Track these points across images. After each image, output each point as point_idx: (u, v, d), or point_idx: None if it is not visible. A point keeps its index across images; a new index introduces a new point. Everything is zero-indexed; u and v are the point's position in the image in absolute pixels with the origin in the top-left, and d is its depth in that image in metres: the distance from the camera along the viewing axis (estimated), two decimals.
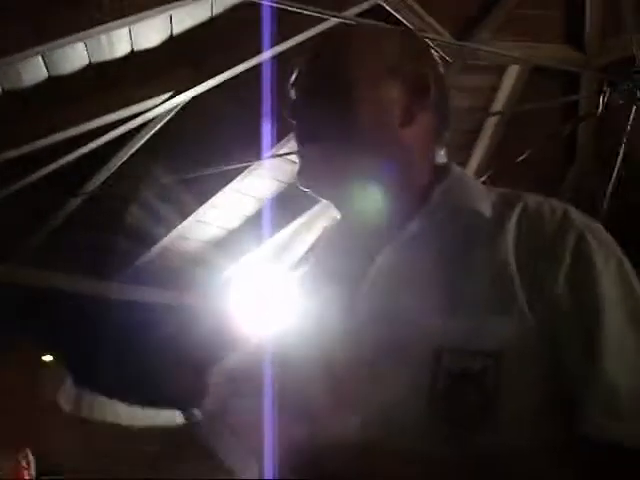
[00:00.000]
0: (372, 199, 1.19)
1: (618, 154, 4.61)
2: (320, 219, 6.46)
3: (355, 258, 1.19)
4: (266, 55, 4.26)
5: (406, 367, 1.05)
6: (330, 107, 1.18)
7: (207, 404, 1.38)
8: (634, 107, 4.17)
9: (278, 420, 1.19)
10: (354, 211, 1.23)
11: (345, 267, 1.20)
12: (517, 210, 1.12)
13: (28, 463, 3.57)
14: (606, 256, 1.07)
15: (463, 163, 5.97)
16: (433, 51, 1.30)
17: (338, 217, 1.29)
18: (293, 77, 1.26)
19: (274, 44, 4.20)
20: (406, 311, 1.09)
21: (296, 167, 1.22)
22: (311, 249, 1.50)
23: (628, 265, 1.09)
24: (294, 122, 1.23)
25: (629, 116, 4.27)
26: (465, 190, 1.18)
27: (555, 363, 1.03)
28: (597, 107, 4.19)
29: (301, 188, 1.22)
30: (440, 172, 1.20)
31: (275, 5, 3.63)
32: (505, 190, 1.20)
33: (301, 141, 1.22)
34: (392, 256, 1.14)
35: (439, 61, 1.27)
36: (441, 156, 1.25)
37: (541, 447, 1.02)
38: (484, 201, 1.15)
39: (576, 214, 1.12)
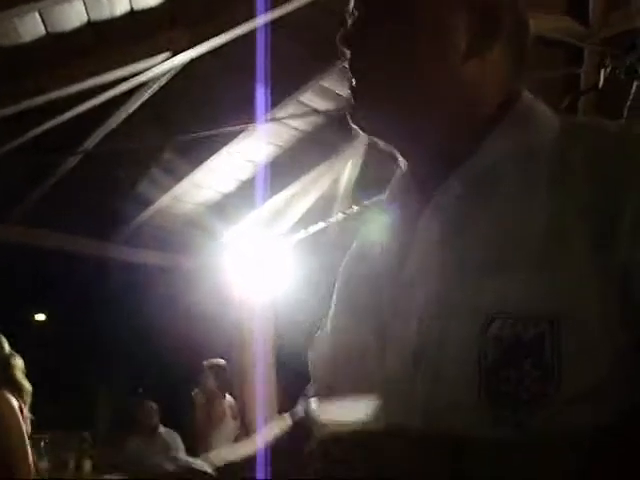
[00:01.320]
0: (430, 139, 1.05)
1: None
2: (317, 184, 6.46)
3: (409, 208, 1.07)
4: (260, 19, 4.22)
5: (453, 336, 0.91)
6: (385, 35, 1.03)
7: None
8: (635, 82, 4.14)
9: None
10: (412, 154, 1.08)
11: (401, 220, 1.08)
12: (587, 142, 0.94)
13: None
14: None
15: None
16: None
17: (402, 161, 1.12)
18: (351, 2, 1.09)
19: (271, 7, 4.16)
20: (454, 269, 0.95)
21: (347, 102, 1.08)
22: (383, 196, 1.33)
23: None
24: (346, 50, 1.07)
25: (630, 91, 4.25)
26: (531, 122, 1.01)
27: (626, 331, 0.86)
28: (598, 81, 4.16)
29: (353, 127, 1.08)
30: (508, 105, 1.04)
31: None
32: (583, 118, 1.05)
33: (353, 73, 1.07)
34: (441, 204, 1.00)
35: None
36: (522, 87, 1.08)
37: (607, 428, 0.86)
38: (552, 133, 0.98)
39: None
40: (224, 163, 5.86)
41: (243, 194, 6.29)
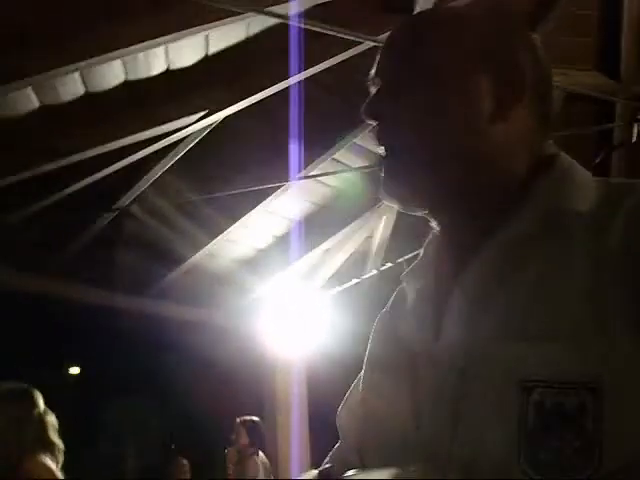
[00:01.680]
0: (462, 206, 1.03)
1: None
2: (351, 240, 6.47)
3: (446, 273, 1.05)
4: (295, 78, 4.28)
5: (491, 405, 0.90)
6: (415, 102, 1.01)
7: (342, 454, 1.22)
8: None
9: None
10: (447, 221, 1.07)
11: (435, 283, 1.07)
12: (628, 204, 0.92)
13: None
14: None
15: None
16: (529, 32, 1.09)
17: (436, 228, 1.11)
18: (373, 70, 1.09)
19: (305, 67, 4.22)
20: (490, 336, 0.93)
21: (380, 181, 1.06)
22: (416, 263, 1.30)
23: None
24: (373, 122, 1.06)
25: None
26: (568, 187, 0.99)
27: None
28: (631, 136, 4.16)
29: (385, 200, 1.07)
30: (543, 166, 1.02)
31: (308, 27, 3.66)
32: (619, 180, 1.02)
33: (382, 145, 1.06)
34: (475, 272, 0.98)
35: (537, 42, 1.08)
36: (549, 147, 1.06)
37: None
38: (588, 199, 0.96)
39: None
40: (259, 219, 5.90)
41: (277, 250, 6.32)
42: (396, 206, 1.07)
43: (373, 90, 1.08)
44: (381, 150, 1.06)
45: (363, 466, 1.13)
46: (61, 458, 3.67)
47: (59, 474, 3.59)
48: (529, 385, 0.87)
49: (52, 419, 3.66)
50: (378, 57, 1.10)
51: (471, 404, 0.92)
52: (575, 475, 0.84)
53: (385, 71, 1.07)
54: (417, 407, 0.98)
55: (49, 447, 3.55)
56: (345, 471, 1.18)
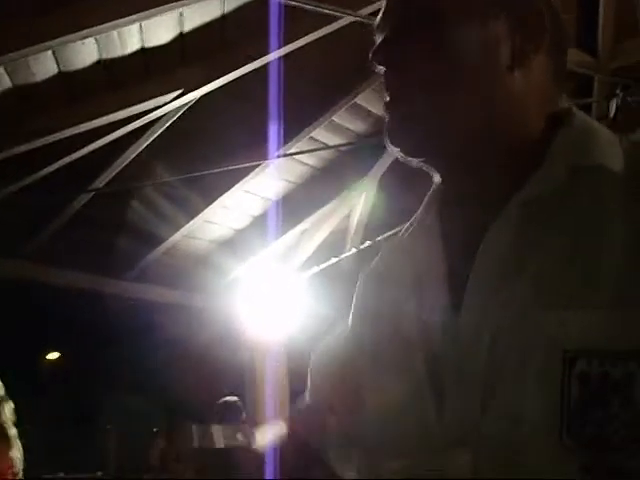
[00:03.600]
0: (476, 159, 0.98)
1: None
2: (330, 219, 6.46)
3: (456, 239, 0.98)
4: (274, 55, 4.24)
5: (530, 376, 0.84)
6: (424, 48, 0.96)
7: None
8: None
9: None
10: (455, 177, 1.01)
11: (444, 251, 0.99)
12: None
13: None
14: None
15: None
16: None
17: (438, 183, 1.05)
18: (379, 17, 1.04)
19: (283, 44, 4.18)
20: (524, 304, 0.87)
21: (385, 126, 1.00)
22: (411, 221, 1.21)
23: None
24: (382, 69, 1.00)
25: None
26: (589, 141, 0.94)
27: None
28: (608, 111, 4.17)
29: (392, 150, 1.00)
30: (559, 121, 0.97)
31: (286, 2, 3.62)
32: None
33: (390, 91, 1.00)
34: (500, 237, 0.92)
35: None
36: (563, 101, 1.01)
37: None
38: (614, 154, 0.92)
39: None
40: (237, 199, 5.87)
41: (256, 230, 6.29)
42: (400, 155, 1.00)
43: (379, 37, 1.02)
44: (387, 97, 1.00)
45: (341, 431, 1.10)
46: (15, 443, 3.73)
47: (13, 454, 3.65)
48: (572, 355, 0.82)
49: (8, 406, 3.70)
50: (385, 3, 1.03)
51: (506, 376, 0.86)
52: (623, 449, 0.80)
53: (393, 16, 1.02)
54: (434, 375, 0.92)
55: (2, 433, 3.63)
56: (311, 432, 1.15)
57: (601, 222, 0.87)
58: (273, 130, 4.69)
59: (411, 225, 1.09)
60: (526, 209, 0.91)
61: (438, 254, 0.99)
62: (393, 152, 1.00)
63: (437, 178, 1.04)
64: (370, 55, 0.99)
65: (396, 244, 1.11)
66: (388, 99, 1.00)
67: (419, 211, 1.09)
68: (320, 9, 3.66)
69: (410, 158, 1.00)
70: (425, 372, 0.93)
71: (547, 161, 0.92)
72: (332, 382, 1.14)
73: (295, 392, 6.82)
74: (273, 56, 4.25)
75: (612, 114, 4.08)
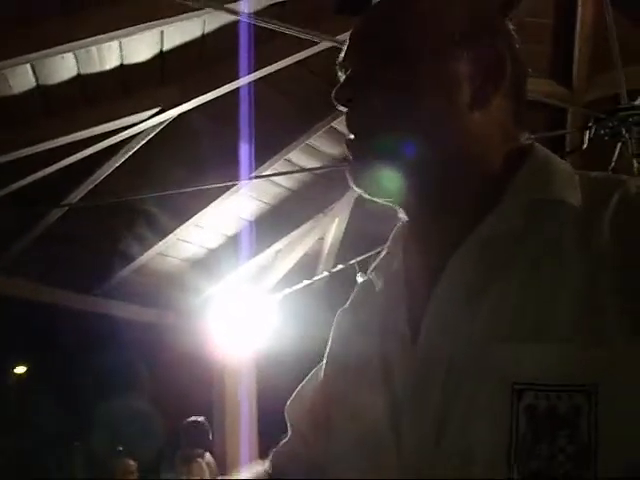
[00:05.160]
0: (438, 198, 0.99)
1: None
2: (303, 241, 6.47)
3: (418, 270, 1.00)
4: (245, 78, 4.27)
5: (479, 409, 0.86)
6: (386, 86, 0.97)
7: (291, 446, 1.22)
8: (619, 144, 4.19)
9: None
10: (419, 215, 1.02)
11: (408, 281, 1.02)
12: (614, 201, 0.89)
13: None
14: None
15: None
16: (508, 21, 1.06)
17: (404, 219, 1.06)
18: (341, 54, 1.05)
19: (260, 66, 4.21)
20: (478, 338, 0.89)
21: (346, 170, 1.02)
22: (381, 256, 1.23)
23: None
24: (343, 108, 1.01)
25: (614, 152, 4.30)
26: (549, 177, 0.95)
27: None
28: (582, 143, 4.21)
29: (354, 187, 1.01)
30: (520, 157, 0.98)
31: (263, 25, 3.65)
32: (601, 174, 0.98)
33: (352, 131, 1.00)
34: (456, 271, 0.94)
35: (515, 34, 1.04)
36: (524, 139, 1.03)
37: None
38: (572, 189, 0.93)
39: None
40: (210, 219, 5.86)
41: (228, 250, 6.28)
42: (364, 194, 1.01)
43: (342, 76, 1.04)
44: (350, 135, 1.01)
45: (311, 460, 1.13)
46: None
47: None
48: (520, 388, 0.83)
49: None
50: (348, 41, 1.04)
51: (458, 408, 0.88)
52: None
53: (355, 55, 1.03)
54: (394, 411, 0.94)
55: None
56: (293, 464, 1.17)
57: (558, 259, 0.88)
58: (248, 151, 4.71)
59: (382, 260, 1.10)
60: (485, 245, 0.92)
61: (402, 300, 1.01)
62: (357, 192, 1.02)
63: (402, 215, 1.05)
64: (333, 94, 1.01)
65: (366, 284, 1.13)
66: (350, 138, 1.01)
67: (387, 245, 1.11)
68: (297, 33, 3.68)
69: (374, 198, 1.02)
70: (386, 412, 0.94)
71: (507, 197, 0.93)
72: (305, 419, 1.17)
73: (264, 412, 6.81)
74: (249, 78, 4.27)
75: (585, 146, 4.13)
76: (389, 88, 0.97)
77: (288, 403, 1.23)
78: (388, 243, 1.10)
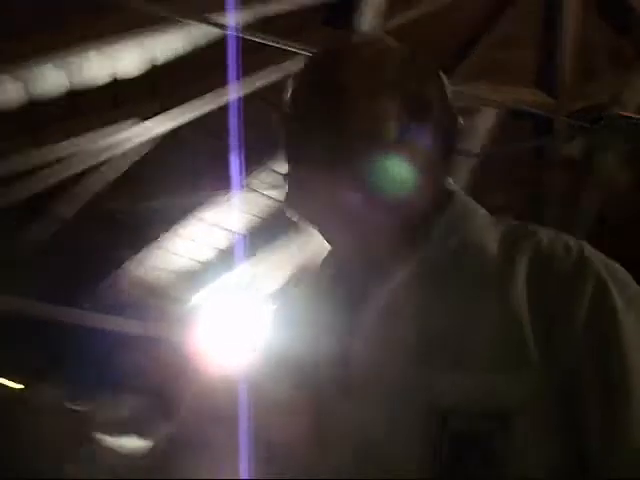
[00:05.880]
0: (364, 229, 1.07)
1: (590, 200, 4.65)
2: (295, 255, 6.45)
3: (344, 302, 1.08)
4: (234, 89, 4.27)
5: (405, 432, 0.94)
6: (322, 123, 1.07)
7: (176, 431, 1.30)
8: (604, 153, 4.22)
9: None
10: (345, 243, 1.12)
11: (333, 313, 1.09)
12: (528, 248, 1.00)
13: None
14: (628, 302, 0.96)
15: None
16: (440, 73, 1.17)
17: (328, 251, 1.17)
18: (287, 92, 1.15)
19: (245, 79, 4.21)
20: (402, 365, 0.97)
21: (282, 191, 1.12)
22: (296, 283, 1.35)
23: None
24: (283, 139, 1.12)
25: (599, 162, 4.34)
26: (470, 222, 1.06)
27: (571, 424, 0.92)
28: (569, 152, 4.24)
29: (287, 214, 1.12)
30: (443, 200, 1.09)
31: (247, 38, 3.65)
32: (515, 223, 1.09)
33: (290, 160, 1.11)
34: (386, 301, 1.02)
35: (445, 82, 1.14)
36: (447, 182, 1.13)
37: None
38: (492, 236, 1.04)
39: (594, 254, 1.01)
40: (197, 230, 5.85)
41: (215, 262, 6.26)
42: (297, 219, 1.11)
43: (288, 110, 1.13)
44: (285, 167, 1.11)
45: None
46: None
47: None
48: (444, 413, 0.91)
49: None
50: (294, 80, 1.15)
51: (385, 432, 0.95)
52: None
53: (296, 96, 1.13)
54: (321, 435, 1.01)
55: None
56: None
57: (475, 300, 0.98)
58: (234, 163, 4.71)
59: (307, 286, 1.22)
60: (412, 280, 1.01)
61: (329, 308, 1.09)
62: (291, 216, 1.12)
63: (327, 245, 1.15)
64: (275, 126, 1.13)
65: (293, 302, 1.26)
66: (288, 170, 1.11)
67: (317, 270, 1.20)
68: (280, 46, 3.70)
69: (306, 224, 1.12)
70: (312, 421, 1.03)
71: (430, 240, 1.03)
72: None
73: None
74: (232, 90, 4.27)
75: (571, 155, 4.16)
76: (323, 121, 1.07)
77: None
78: (319, 266, 1.20)
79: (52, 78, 3.92)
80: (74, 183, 4.87)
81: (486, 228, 1.06)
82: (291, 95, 1.14)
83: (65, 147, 4.36)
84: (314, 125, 1.07)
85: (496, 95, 4.98)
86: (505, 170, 5.43)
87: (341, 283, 1.11)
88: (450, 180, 1.12)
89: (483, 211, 1.10)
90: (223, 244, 6.15)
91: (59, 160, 4.42)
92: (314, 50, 3.45)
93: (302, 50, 3.85)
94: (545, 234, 1.03)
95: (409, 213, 1.06)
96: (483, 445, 0.90)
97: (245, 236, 6.03)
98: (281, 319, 1.26)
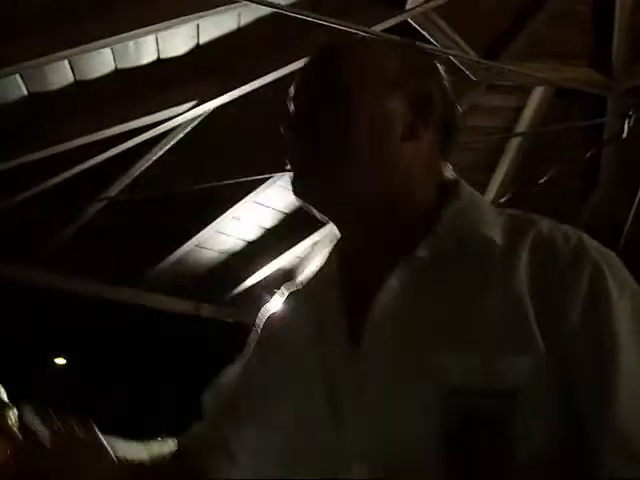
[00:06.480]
0: (370, 221, 1.14)
1: None
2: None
3: (356, 288, 1.13)
4: (281, 70, 4.28)
5: (415, 408, 1.00)
6: (328, 121, 1.13)
7: (202, 429, 1.33)
8: None
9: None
10: (354, 233, 1.18)
11: (345, 298, 1.15)
12: (530, 237, 1.06)
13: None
14: (621, 287, 1.02)
15: (485, 183, 5.97)
16: (440, 66, 1.22)
17: (338, 238, 1.22)
18: (292, 90, 1.20)
19: (293, 60, 4.21)
20: (413, 348, 1.04)
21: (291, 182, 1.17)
22: (308, 275, 1.38)
23: None
24: (290, 137, 1.17)
25: None
26: (476, 213, 1.12)
27: (569, 404, 0.98)
28: (622, 131, 4.17)
29: (297, 196, 1.16)
30: (449, 191, 1.14)
31: (302, 17, 3.64)
32: (517, 213, 1.15)
33: (296, 157, 1.16)
34: (396, 287, 1.07)
35: (445, 76, 1.21)
36: (450, 173, 1.19)
37: None
38: (496, 226, 1.09)
39: (590, 242, 1.07)
40: (248, 211, 5.87)
41: (266, 242, 6.29)
42: (303, 204, 1.17)
43: (293, 108, 1.19)
44: (291, 159, 1.16)
45: (215, 442, 1.26)
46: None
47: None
48: (451, 392, 0.97)
49: (13, 412, 3.73)
50: (298, 78, 1.21)
51: (396, 407, 1.01)
52: (492, 472, 0.96)
53: (302, 94, 1.18)
54: (336, 413, 1.06)
55: (7, 436, 3.63)
56: (197, 443, 1.30)
57: (481, 285, 1.04)
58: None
59: (314, 274, 1.27)
60: (420, 267, 1.07)
61: (336, 296, 1.15)
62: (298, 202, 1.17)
63: (337, 232, 1.21)
64: (285, 127, 1.16)
65: (298, 294, 1.29)
66: (293, 162, 1.16)
67: (321, 261, 1.25)
68: (331, 24, 3.68)
69: (313, 210, 1.17)
70: (325, 400, 1.08)
71: (437, 229, 1.09)
72: (217, 406, 1.32)
73: None
74: (284, 70, 4.28)
75: (624, 135, 4.08)
76: (329, 122, 1.13)
77: (206, 392, 1.36)
78: (324, 257, 1.26)
79: (100, 61, 3.96)
80: (123, 164, 4.92)
81: (490, 218, 1.11)
82: (293, 95, 1.19)
83: (117, 129, 4.40)
84: (319, 125, 1.13)
85: (548, 73, 4.91)
86: (556, 150, 5.37)
87: (352, 270, 1.17)
88: (452, 173, 1.18)
89: (486, 202, 1.18)
90: (271, 223, 6.16)
91: (108, 141, 4.47)
92: (361, 27, 3.44)
93: (350, 28, 3.84)
94: (546, 224, 1.09)
95: (415, 203, 1.13)
96: (489, 423, 0.96)
97: (293, 215, 6.03)
98: (287, 303, 1.32)
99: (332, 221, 1.19)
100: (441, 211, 1.11)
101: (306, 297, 1.25)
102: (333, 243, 1.24)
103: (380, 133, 1.12)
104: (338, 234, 1.21)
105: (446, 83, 1.20)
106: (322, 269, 1.25)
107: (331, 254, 1.24)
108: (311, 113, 1.15)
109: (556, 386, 0.98)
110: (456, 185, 1.16)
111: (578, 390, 0.98)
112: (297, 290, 1.30)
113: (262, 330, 1.34)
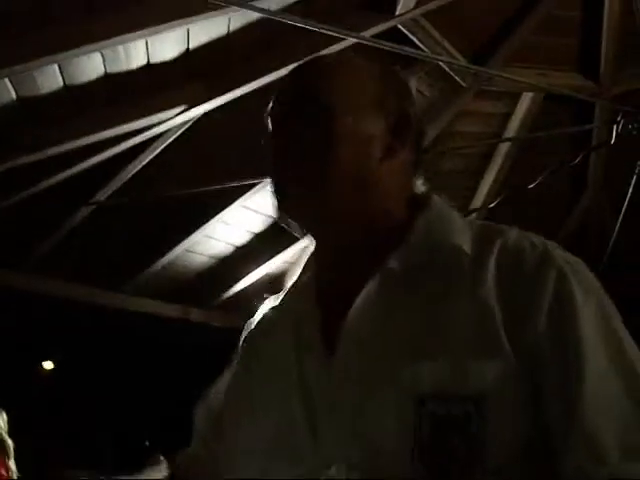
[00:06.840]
0: (352, 234, 1.16)
1: (629, 185, 4.60)
2: None
3: (332, 298, 1.16)
4: (269, 76, 4.29)
5: (389, 413, 1.02)
6: (313, 140, 1.13)
7: (195, 449, 1.35)
8: None
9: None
10: (332, 247, 1.20)
11: (322, 307, 1.17)
12: (497, 246, 1.09)
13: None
14: (586, 292, 1.05)
15: (474, 188, 5.99)
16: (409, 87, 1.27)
17: (313, 250, 1.24)
18: (270, 105, 1.21)
19: (287, 64, 4.21)
20: (385, 356, 1.06)
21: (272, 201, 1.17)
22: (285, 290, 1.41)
23: (608, 302, 1.07)
24: (270, 152, 1.18)
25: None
26: (446, 224, 1.15)
27: (536, 407, 1.01)
28: (610, 137, 4.18)
29: (279, 213, 1.17)
30: (419, 204, 1.18)
31: (293, 23, 3.65)
32: (486, 223, 1.18)
33: (281, 173, 1.17)
34: (369, 297, 1.10)
35: (413, 93, 1.25)
36: (419, 187, 1.22)
37: None
38: (465, 236, 1.12)
39: (556, 250, 1.10)
40: (237, 216, 5.88)
41: (255, 247, 6.30)
42: (282, 217, 1.17)
43: (272, 123, 1.19)
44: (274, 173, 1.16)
45: (210, 460, 1.27)
46: (11, 454, 3.72)
47: (11, 469, 3.64)
48: (423, 398, 1.00)
49: (2, 416, 3.71)
50: (280, 95, 1.20)
51: (369, 415, 1.04)
52: (464, 475, 0.98)
53: (284, 111, 1.18)
54: (311, 421, 1.09)
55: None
56: (194, 463, 1.32)
57: (451, 293, 1.07)
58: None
59: (293, 286, 1.29)
60: (393, 277, 1.10)
61: (313, 306, 1.18)
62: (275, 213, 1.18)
63: (313, 244, 1.23)
64: (262, 139, 1.18)
65: (279, 303, 1.30)
66: (277, 179, 1.16)
67: (300, 271, 1.29)
68: (321, 30, 3.69)
69: (294, 225, 1.18)
70: (302, 406, 1.10)
71: (409, 240, 1.12)
72: (208, 422, 1.33)
73: None
74: (272, 76, 4.28)
75: (612, 141, 4.10)
76: (311, 140, 1.13)
77: (197, 409, 1.37)
78: (298, 279, 1.29)
79: (90, 65, 3.96)
80: (112, 169, 4.92)
81: (461, 229, 1.14)
82: (272, 110, 1.20)
83: (106, 134, 4.40)
84: (301, 144, 1.14)
85: (536, 79, 4.93)
86: (544, 155, 5.39)
87: (328, 281, 1.19)
88: (421, 186, 1.22)
89: (456, 214, 1.19)
90: (260, 228, 6.17)
91: (97, 145, 4.46)
92: (351, 33, 3.45)
93: (340, 34, 3.85)
94: (514, 233, 1.12)
95: (390, 217, 1.16)
96: (461, 427, 0.99)
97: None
98: (268, 314, 1.34)
99: (312, 236, 1.21)
100: (413, 222, 1.14)
101: (285, 307, 1.28)
102: (311, 254, 1.25)
103: (362, 154, 1.14)
104: (314, 247, 1.23)
105: (414, 104, 1.23)
106: (300, 279, 1.29)
107: (308, 264, 1.27)
108: (295, 132, 1.15)
109: (525, 389, 1.00)
110: (427, 199, 1.19)
111: (545, 393, 1.01)
112: (278, 299, 1.32)
113: (245, 340, 1.36)
